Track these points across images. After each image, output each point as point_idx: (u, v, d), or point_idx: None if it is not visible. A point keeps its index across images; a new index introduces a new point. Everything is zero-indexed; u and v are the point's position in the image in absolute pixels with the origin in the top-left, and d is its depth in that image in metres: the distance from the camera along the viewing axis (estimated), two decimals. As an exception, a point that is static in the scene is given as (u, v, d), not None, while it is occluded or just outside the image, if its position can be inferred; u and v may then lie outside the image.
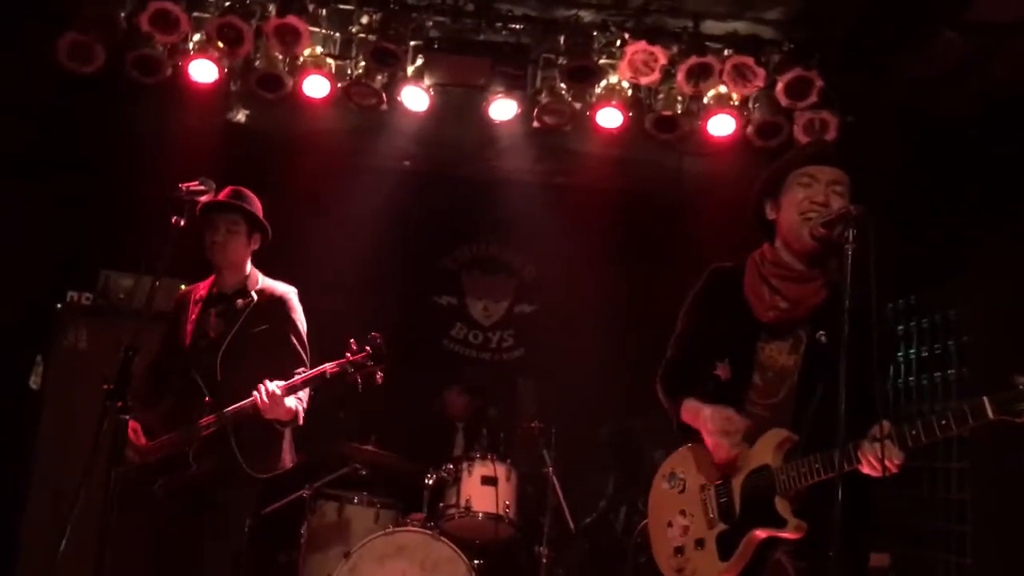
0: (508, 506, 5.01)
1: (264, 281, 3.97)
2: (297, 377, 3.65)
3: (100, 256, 4.96)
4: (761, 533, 2.66)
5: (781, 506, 2.63)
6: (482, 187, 6.08)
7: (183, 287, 4.06)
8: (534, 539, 5.16)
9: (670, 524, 2.88)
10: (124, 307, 4.81)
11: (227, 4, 4.66)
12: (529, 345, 6.65)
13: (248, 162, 3.97)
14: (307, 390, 3.76)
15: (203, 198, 3.18)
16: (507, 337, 6.71)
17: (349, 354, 3.63)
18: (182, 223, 3.02)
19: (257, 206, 3.94)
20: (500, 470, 5.08)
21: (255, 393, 3.56)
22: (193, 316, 3.86)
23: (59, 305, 4.75)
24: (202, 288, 3.97)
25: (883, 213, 2.53)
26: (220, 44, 4.64)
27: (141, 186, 5.14)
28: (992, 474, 4.63)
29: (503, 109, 4.93)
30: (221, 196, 3.78)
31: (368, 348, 3.62)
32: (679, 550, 2.84)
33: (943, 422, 2.39)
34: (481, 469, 5.07)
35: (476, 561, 4.76)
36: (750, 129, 4.85)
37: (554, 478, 5.18)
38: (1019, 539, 4.42)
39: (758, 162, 5.01)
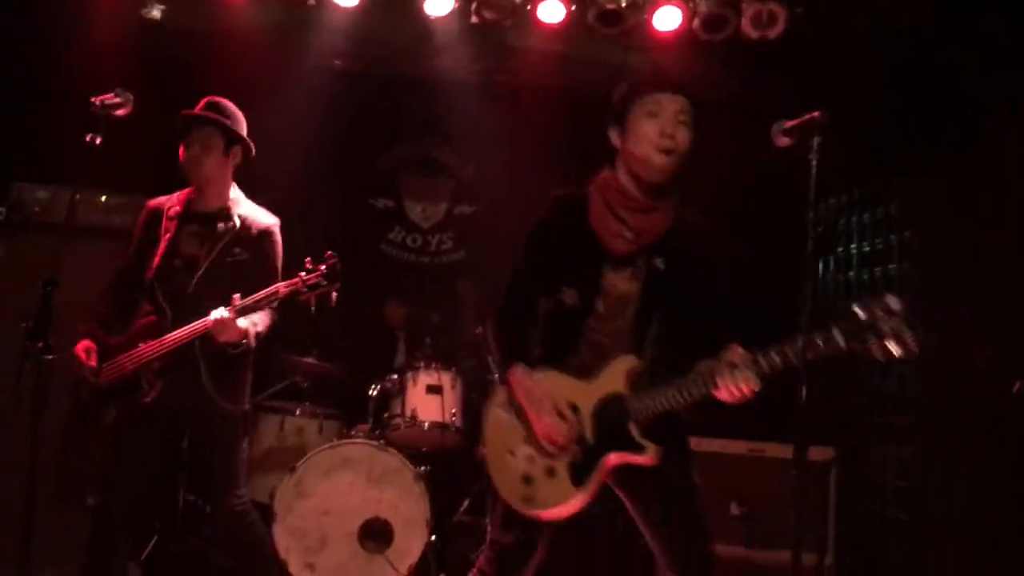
0: (454, 414, 4.97)
1: (247, 206, 3.79)
2: (250, 298, 3.49)
3: (11, 169, 4.64)
4: (616, 458, 2.70)
5: (635, 431, 2.67)
6: (418, 86, 5.82)
7: (149, 202, 3.82)
8: (480, 444, 5.14)
9: (512, 453, 2.82)
10: (40, 220, 4.54)
11: None
12: (469, 247, 6.52)
13: (165, 62, 3.69)
14: (265, 312, 3.63)
15: (120, 111, 2.94)
16: (446, 240, 6.57)
17: (303, 273, 3.48)
18: (98, 141, 2.79)
19: (237, 118, 3.74)
20: (445, 378, 5.03)
21: (208, 318, 3.42)
22: (168, 234, 3.65)
23: (-31, 218, 4.46)
24: (176, 203, 3.75)
25: (829, 110, 2.51)
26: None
27: (52, 92, 4.81)
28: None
29: (439, 3, 4.68)
30: (197, 109, 3.60)
31: (322, 267, 3.48)
32: (527, 479, 2.78)
33: (797, 349, 2.43)
34: (426, 378, 5.01)
35: (422, 467, 4.74)
36: (696, 22, 4.68)
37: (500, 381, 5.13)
38: (962, 428, 4.53)
39: (703, 57, 4.88)
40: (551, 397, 2.74)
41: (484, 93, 5.65)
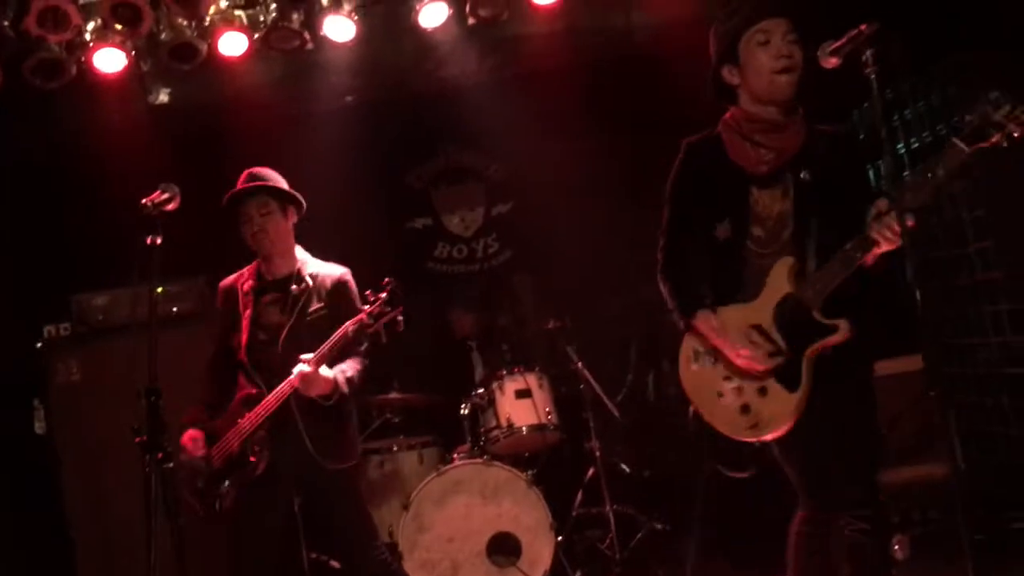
0: (548, 413, 4.93)
1: (315, 264, 3.80)
2: (323, 345, 3.48)
3: (63, 282, 4.69)
4: (814, 348, 2.79)
5: (819, 317, 2.78)
6: (430, 100, 5.79)
7: (222, 283, 3.83)
8: (581, 435, 5.11)
9: (720, 394, 2.95)
10: (105, 327, 4.57)
11: (112, -19, 4.28)
12: (515, 245, 6.47)
13: (184, 141, 3.69)
14: (354, 359, 3.63)
15: (170, 206, 2.93)
16: (492, 243, 6.52)
17: (366, 307, 3.47)
18: (158, 241, 2.78)
19: (278, 178, 3.74)
20: (531, 380, 4.99)
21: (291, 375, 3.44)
22: (247, 310, 3.67)
23: (38, 344, 4.51)
24: (248, 278, 3.77)
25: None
26: (118, 27, 4.28)
27: (83, 197, 4.86)
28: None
29: (433, 14, 4.62)
30: (240, 184, 3.62)
31: (382, 295, 3.45)
32: (744, 408, 2.90)
33: (928, 173, 2.54)
34: (512, 384, 4.97)
35: (531, 471, 4.71)
36: (696, -34, 4.58)
37: (586, 372, 5.09)
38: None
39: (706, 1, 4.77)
40: (736, 329, 2.88)
41: (497, 90, 5.60)
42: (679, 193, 3.07)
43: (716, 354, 2.96)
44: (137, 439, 2.56)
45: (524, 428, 4.86)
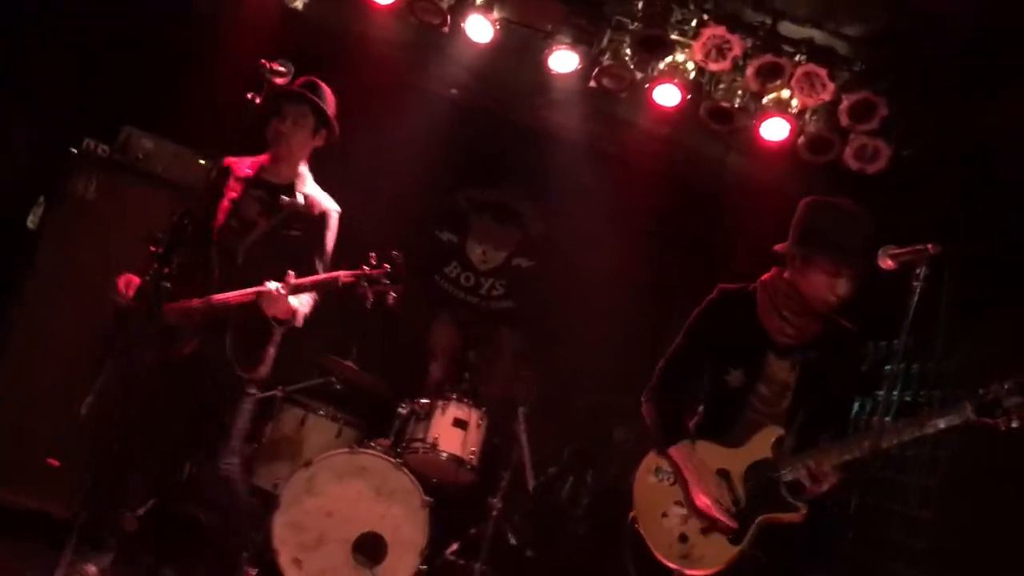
0: (473, 452, 5.00)
1: (312, 186, 3.86)
2: (308, 278, 3.55)
3: (125, 112, 4.78)
4: (770, 517, 2.96)
5: (786, 492, 2.96)
6: (521, 133, 5.94)
7: (226, 159, 3.82)
8: (489, 489, 5.17)
9: (665, 515, 3.10)
10: (140, 167, 4.63)
11: None
12: (519, 299, 6.59)
13: (297, 53, 3.81)
14: (312, 295, 3.67)
15: (280, 80, 3.07)
16: (498, 287, 6.65)
17: (366, 267, 3.53)
18: (257, 100, 2.91)
19: (330, 101, 3.82)
20: (473, 415, 5.07)
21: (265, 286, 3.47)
22: (233, 194, 3.72)
23: (73, 150, 4.59)
24: (248, 167, 3.82)
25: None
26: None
27: (183, 55, 5.00)
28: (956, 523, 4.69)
29: (564, 61, 4.83)
30: (295, 84, 3.65)
31: (387, 265, 3.53)
32: (683, 537, 3.05)
33: (929, 420, 2.78)
34: (455, 410, 5.05)
35: (430, 499, 4.75)
36: (802, 140, 4.80)
37: (524, 436, 5.18)
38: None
39: (801, 175, 5.00)
40: (708, 470, 3.05)
41: (581, 156, 5.76)
42: (700, 330, 3.26)
43: (676, 478, 3.11)
44: (152, 248, 2.63)
45: (445, 454, 4.92)
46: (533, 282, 6.60)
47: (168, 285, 2.78)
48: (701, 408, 3.26)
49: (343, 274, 3.53)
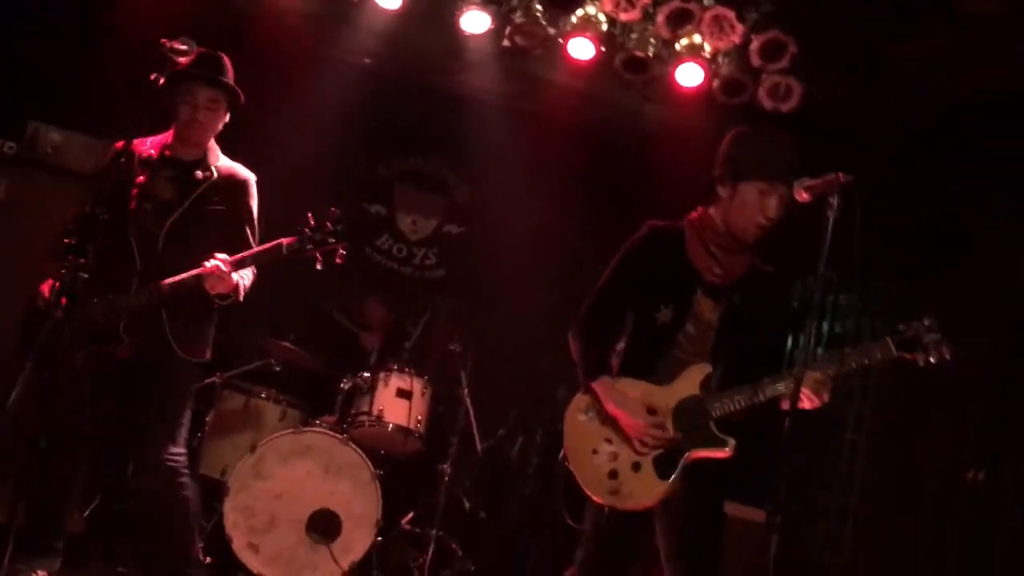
0: (419, 421, 5.02)
1: (224, 159, 3.74)
2: (251, 250, 3.48)
3: (29, 107, 4.64)
4: (699, 453, 2.97)
5: (715, 428, 2.97)
6: (438, 99, 5.90)
7: (122, 141, 3.66)
8: (438, 456, 5.20)
9: (595, 451, 3.09)
10: (50, 162, 4.53)
11: None
12: (452, 266, 6.61)
13: (201, 30, 3.71)
14: (251, 269, 3.59)
15: (183, 58, 3.00)
16: (431, 255, 6.65)
17: (307, 229, 3.45)
18: (161, 81, 2.84)
19: (231, 73, 3.69)
20: (416, 384, 5.08)
21: (206, 264, 3.38)
22: (140, 177, 3.58)
23: (-22, 147, 4.44)
24: (151, 146, 3.67)
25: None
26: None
27: (81, 41, 4.85)
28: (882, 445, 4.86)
29: (475, 21, 4.80)
30: (192, 58, 3.38)
31: (328, 223, 3.45)
32: (613, 474, 3.03)
33: (858, 356, 2.85)
34: (397, 381, 5.05)
35: (379, 471, 4.76)
36: (716, 83, 4.85)
37: (468, 400, 5.20)
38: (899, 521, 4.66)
39: (717, 118, 5.05)
40: (634, 402, 3.03)
41: (500, 118, 5.76)
42: (629, 267, 3.20)
43: (604, 415, 3.08)
44: (65, 239, 2.56)
45: (391, 425, 4.93)
46: (464, 248, 6.60)
47: (85, 276, 2.69)
48: (625, 346, 3.22)
49: (285, 240, 3.44)
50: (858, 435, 5.15)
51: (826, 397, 2.86)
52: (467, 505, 5.48)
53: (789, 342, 6.02)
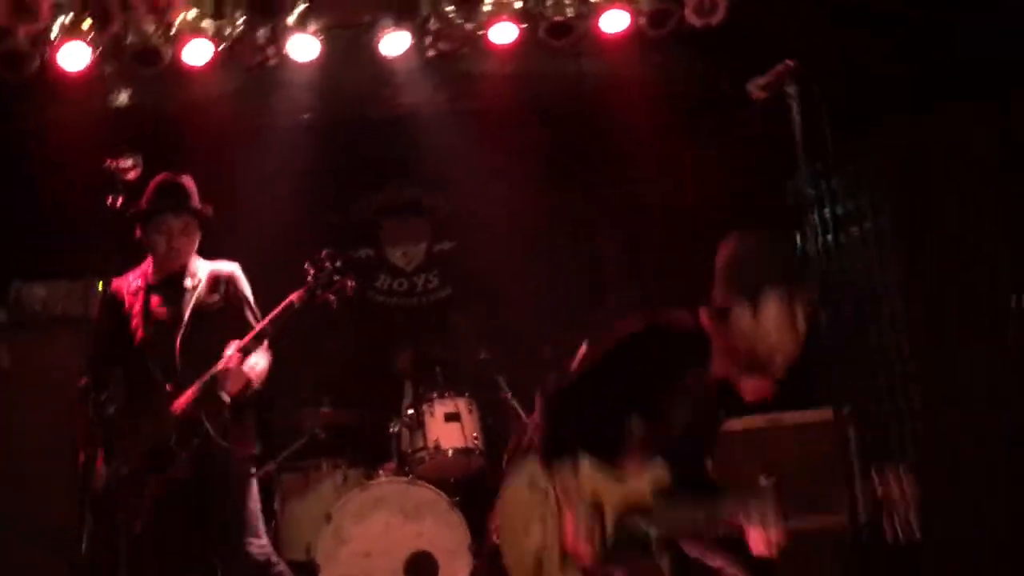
0: (475, 438, 5.04)
1: (203, 262, 3.82)
2: (257, 326, 3.55)
3: (4, 269, 4.68)
4: (625, 568, 2.75)
5: (654, 547, 2.74)
6: (385, 128, 5.90)
7: (102, 283, 3.77)
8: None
9: (527, 531, 2.85)
10: (42, 318, 4.58)
11: (84, -19, 4.39)
12: (454, 282, 6.59)
13: (140, 144, 3.77)
14: (265, 354, 3.66)
15: (132, 174, 3.03)
16: (431, 278, 6.64)
17: (311, 277, 3.53)
18: (119, 202, 2.87)
19: (194, 188, 3.77)
20: (461, 404, 5.10)
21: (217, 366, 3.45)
22: (136, 308, 3.66)
23: (-29, 325, 4.49)
24: (135, 277, 3.77)
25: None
26: (85, 26, 4.38)
27: (33, 189, 4.88)
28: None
29: (394, 43, 4.79)
30: (155, 189, 3.60)
31: (327, 263, 3.55)
32: (538, 563, 2.81)
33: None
34: (442, 407, 5.07)
35: (455, 498, 4.78)
36: (642, 20, 4.83)
37: (514, 402, 5.21)
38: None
39: (655, 54, 5.05)
40: (583, 500, 2.78)
41: (448, 125, 5.72)
42: (626, 373, 2.83)
43: (548, 495, 2.82)
44: (82, 381, 2.58)
45: (450, 451, 4.95)
46: (460, 261, 6.59)
47: (112, 409, 2.73)
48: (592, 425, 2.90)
49: (294, 296, 3.52)
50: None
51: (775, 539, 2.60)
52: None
53: (797, 240, 6.07)
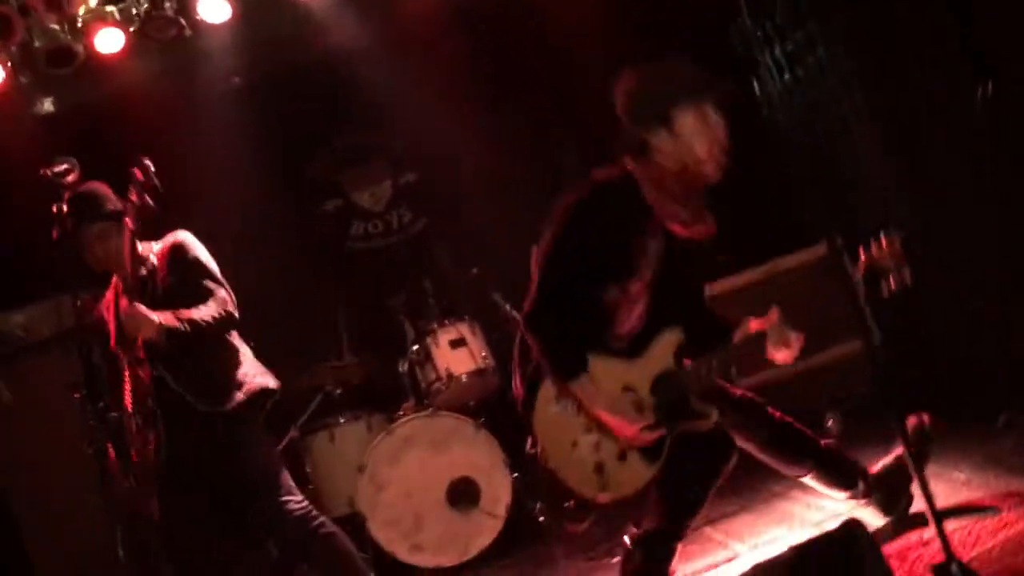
0: (485, 357, 5.03)
1: (154, 244, 3.74)
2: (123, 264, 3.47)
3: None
4: (682, 429, 2.79)
5: (696, 403, 2.79)
6: (317, 72, 5.75)
7: (80, 302, 3.74)
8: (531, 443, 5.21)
9: (575, 444, 2.84)
10: (29, 342, 4.54)
11: (-25, -4, 4.21)
12: (428, 212, 6.52)
13: (79, 148, 3.67)
14: (199, 308, 3.55)
15: (70, 177, 2.94)
16: (404, 213, 6.57)
17: (132, 188, 3.43)
18: (65, 208, 2.79)
19: (104, 192, 3.63)
20: (463, 328, 5.08)
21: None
22: (110, 312, 3.59)
23: (-40, 371, 4.45)
24: (107, 297, 3.71)
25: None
26: (-10, 40, 4.23)
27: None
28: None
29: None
30: (67, 209, 3.47)
31: (136, 171, 3.44)
32: (599, 468, 2.81)
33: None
34: (445, 335, 5.04)
35: (480, 419, 4.80)
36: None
37: (514, 312, 5.18)
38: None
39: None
40: (611, 386, 2.79)
41: (382, 57, 5.58)
42: (581, 244, 2.81)
43: (584, 410, 2.81)
44: (76, 394, 2.56)
45: (464, 375, 4.94)
46: (427, 190, 6.51)
47: (114, 414, 2.69)
48: (587, 312, 2.86)
49: (127, 220, 3.44)
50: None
51: (798, 343, 2.75)
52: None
53: (755, 87, 5.99)
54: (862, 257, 2.67)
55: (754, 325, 2.81)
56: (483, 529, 4.61)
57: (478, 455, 4.70)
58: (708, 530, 3.76)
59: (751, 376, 4.72)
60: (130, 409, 3.36)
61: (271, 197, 5.92)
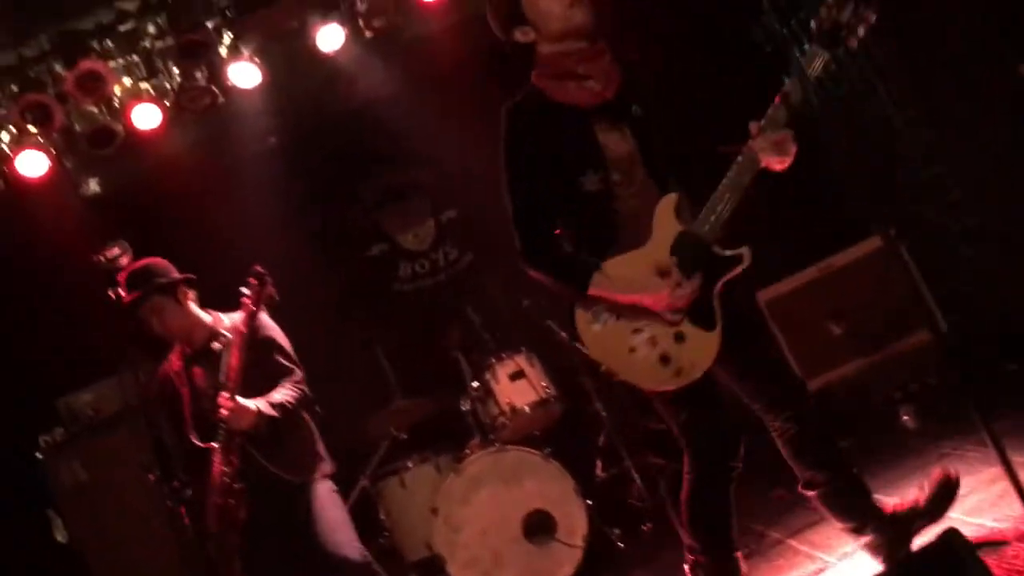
0: (546, 387, 4.99)
1: (225, 318, 3.78)
2: (229, 368, 3.50)
3: (45, 389, 4.72)
4: (722, 283, 2.75)
5: (719, 250, 2.74)
6: (351, 122, 5.82)
7: (142, 377, 3.79)
8: (583, 402, 5.19)
9: (633, 349, 2.77)
10: (100, 420, 4.62)
11: (14, 89, 4.33)
12: (473, 246, 6.53)
13: (127, 225, 3.76)
14: (285, 387, 3.65)
15: (123, 260, 2.99)
16: (450, 249, 6.59)
17: (245, 298, 3.51)
18: (122, 293, 2.84)
19: (162, 268, 3.70)
20: (520, 360, 5.05)
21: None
22: (184, 388, 3.66)
23: (38, 455, 4.53)
24: (173, 362, 3.77)
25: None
26: (32, 129, 4.33)
27: (36, 304, 4.88)
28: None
29: (329, 37, 4.70)
30: (124, 287, 3.53)
31: (252, 279, 3.52)
32: (664, 359, 2.75)
33: (795, 83, 2.61)
34: (503, 369, 5.02)
35: (547, 450, 4.76)
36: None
37: (568, 337, 5.15)
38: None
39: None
40: (639, 277, 2.75)
41: (411, 95, 5.63)
42: (522, 163, 2.87)
43: (617, 310, 2.78)
44: (151, 476, 2.59)
45: (527, 407, 4.90)
46: (470, 224, 6.53)
47: (189, 492, 2.72)
48: (576, 236, 2.87)
49: (239, 323, 3.50)
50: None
51: (793, 148, 2.62)
52: (639, 422, 5.45)
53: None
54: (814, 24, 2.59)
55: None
56: (563, 561, 4.56)
57: (549, 486, 4.66)
58: (792, 543, 3.68)
59: (820, 376, 4.70)
60: (217, 487, 3.42)
61: (315, 249, 5.98)
